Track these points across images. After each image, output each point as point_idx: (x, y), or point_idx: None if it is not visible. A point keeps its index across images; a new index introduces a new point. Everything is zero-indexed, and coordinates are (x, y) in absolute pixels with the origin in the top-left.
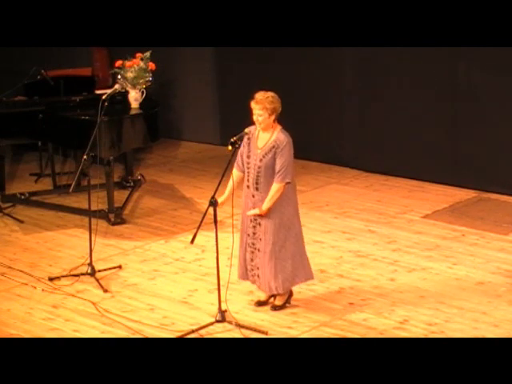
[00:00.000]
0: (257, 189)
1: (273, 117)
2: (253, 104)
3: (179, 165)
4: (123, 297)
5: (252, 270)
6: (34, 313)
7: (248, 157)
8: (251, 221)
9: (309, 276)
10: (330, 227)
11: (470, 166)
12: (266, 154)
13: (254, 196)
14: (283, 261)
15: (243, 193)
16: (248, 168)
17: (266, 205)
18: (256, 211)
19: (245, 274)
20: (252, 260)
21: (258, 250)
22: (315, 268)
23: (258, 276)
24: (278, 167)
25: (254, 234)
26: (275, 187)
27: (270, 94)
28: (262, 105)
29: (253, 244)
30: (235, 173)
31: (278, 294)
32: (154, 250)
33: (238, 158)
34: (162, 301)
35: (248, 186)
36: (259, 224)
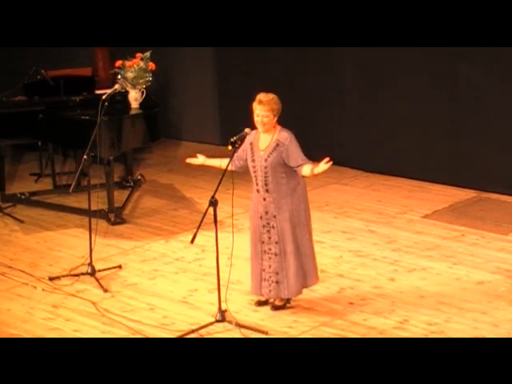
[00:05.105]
0: (267, 190)
1: (276, 117)
2: (257, 105)
3: (179, 165)
4: (123, 297)
5: (270, 277)
6: (34, 313)
7: (253, 161)
8: (264, 226)
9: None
10: (330, 227)
11: (470, 166)
12: (270, 153)
13: (265, 199)
14: (304, 257)
15: (252, 199)
16: (255, 172)
17: (317, 170)
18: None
19: (259, 287)
20: (270, 266)
21: (275, 255)
22: None
23: (277, 282)
24: (295, 160)
25: (270, 238)
26: (307, 167)
27: (272, 95)
28: (269, 106)
29: (269, 249)
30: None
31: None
32: (154, 249)
33: (235, 159)
34: (162, 301)
35: (258, 190)
36: (273, 227)
